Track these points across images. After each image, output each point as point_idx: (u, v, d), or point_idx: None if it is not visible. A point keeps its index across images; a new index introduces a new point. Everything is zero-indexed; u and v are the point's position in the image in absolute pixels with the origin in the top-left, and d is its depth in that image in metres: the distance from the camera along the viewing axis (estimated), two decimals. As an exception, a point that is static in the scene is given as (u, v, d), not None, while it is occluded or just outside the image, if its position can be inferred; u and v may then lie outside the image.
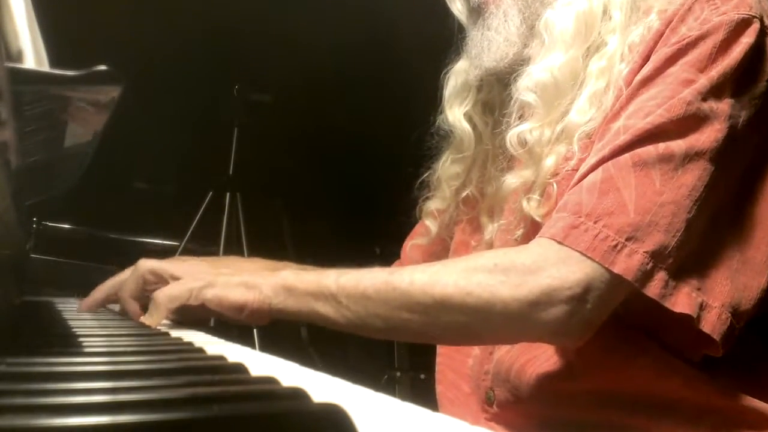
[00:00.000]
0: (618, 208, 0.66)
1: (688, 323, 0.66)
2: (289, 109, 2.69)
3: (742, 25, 0.69)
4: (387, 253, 1.13)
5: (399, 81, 2.44)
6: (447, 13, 0.97)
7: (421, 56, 1.33)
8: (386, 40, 2.62)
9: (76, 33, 1.62)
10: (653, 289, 0.65)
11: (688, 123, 0.67)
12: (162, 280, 0.84)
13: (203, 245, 2.44)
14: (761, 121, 0.70)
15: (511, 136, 0.80)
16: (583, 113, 0.75)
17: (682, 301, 0.66)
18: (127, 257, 0.94)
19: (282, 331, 2.44)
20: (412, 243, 1.04)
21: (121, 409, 0.28)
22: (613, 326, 0.71)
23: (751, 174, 0.71)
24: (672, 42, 0.70)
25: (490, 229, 0.89)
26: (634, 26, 0.76)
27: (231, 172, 2.59)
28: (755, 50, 0.69)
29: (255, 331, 2.27)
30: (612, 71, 0.75)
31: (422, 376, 2.64)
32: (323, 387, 0.42)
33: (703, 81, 0.68)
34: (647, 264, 0.64)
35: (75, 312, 0.90)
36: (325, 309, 0.73)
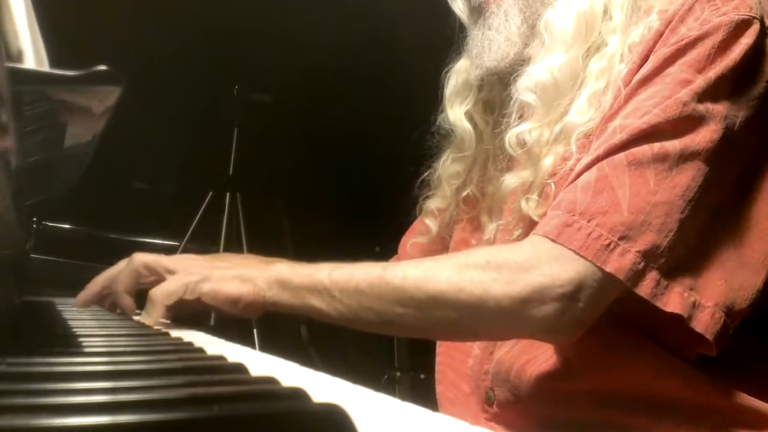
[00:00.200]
0: (612, 207, 0.66)
1: (682, 323, 0.66)
2: (289, 109, 2.69)
3: (741, 26, 0.69)
4: (387, 252, 1.13)
5: (399, 80, 2.44)
6: (447, 12, 0.97)
7: (421, 56, 1.33)
8: (386, 40, 2.62)
9: (76, 33, 1.62)
10: (645, 289, 0.65)
11: (683, 123, 0.67)
12: (156, 274, 0.84)
13: (203, 245, 2.43)
14: (760, 122, 0.70)
15: (510, 136, 0.81)
16: (582, 113, 0.75)
17: (674, 301, 0.66)
18: (127, 257, 0.94)
19: (282, 331, 2.44)
20: (413, 241, 1.04)
21: (121, 409, 0.28)
22: (613, 326, 0.71)
23: (749, 174, 0.71)
24: (671, 42, 0.70)
25: (490, 229, 0.89)
26: (635, 26, 0.76)
27: (231, 172, 2.59)
28: (755, 51, 0.69)
29: (255, 331, 2.27)
30: (612, 71, 0.75)
31: (422, 376, 2.64)
32: (323, 387, 0.42)
33: (700, 81, 0.68)
34: (639, 263, 0.65)
35: (75, 312, 0.90)
36: (318, 302, 0.73)
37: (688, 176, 0.66)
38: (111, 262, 0.93)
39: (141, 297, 0.85)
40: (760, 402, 0.72)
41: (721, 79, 0.68)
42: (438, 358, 0.96)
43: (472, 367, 0.86)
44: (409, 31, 2.34)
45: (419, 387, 2.64)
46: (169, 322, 0.83)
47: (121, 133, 1.08)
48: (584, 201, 0.67)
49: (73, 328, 0.67)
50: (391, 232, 1.14)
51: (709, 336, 0.66)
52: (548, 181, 0.77)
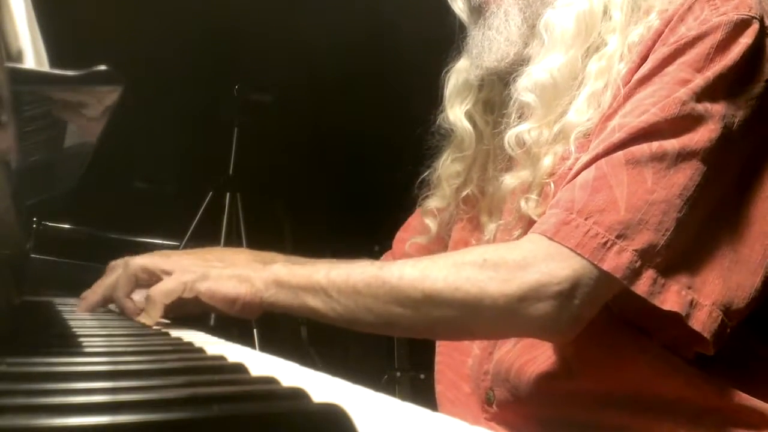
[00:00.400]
0: (609, 206, 0.66)
1: (680, 321, 0.66)
2: (290, 109, 2.69)
3: (741, 26, 0.69)
4: (387, 251, 1.13)
5: (399, 81, 2.44)
6: (447, 12, 0.97)
7: (421, 56, 1.33)
8: (386, 40, 2.62)
9: (76, 33, 1.62)
10: (641, 287, 0.65)
11: (682, 122, 0.67)
12: (154, 276, 0.84)
13: (203, 245, 2.43)
14: (758, 122, 0.70)
15: (510, 136, 0.81)
16: (581, 113, 0.75)
17: (671, 299, 0.66)
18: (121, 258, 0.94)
19: (282, 332, 2.44)
20: (411, 241, 1.04)
21: (121, 409, 0.28)
22: (612, 326, 0.71)
23: (748, 173, 0.71)
24: (670, 41, 0.70)
25: (490, 229, 0.89)
26: (634, 26, 0.76)
27: (231, 172, 2.59)
28: (754, 51, 0.69)
29: (255, 331, 2.27)
30: (611, 71, 0.75)
31: (422, 376, 2.64)
32: (323, 387, 0.42)
33: (699, 81, 0.68)
34: (636, 262, 0.65)
35: (75, 312, 0.90)
36: (315, 303, 0.73)
37: (686, 175, 0.66)
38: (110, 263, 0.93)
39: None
40: (760, 402, 0.72)
41: (719, 79, 0.68)
42: (437, 358, 0.96)
43: (472, 367, 0.86)
44: (409, 31, 2.34)
45: (419, 387, 2.65)
46: (168, 321, 0.83)
47: (121, 133, 1.08)
48: (582, 199, 0.67)
49: (72, 328, 0.67)
50: (390, 231, 1.14)
51: (706, 334, 0.66)
52: (547, 180, 0.77)
